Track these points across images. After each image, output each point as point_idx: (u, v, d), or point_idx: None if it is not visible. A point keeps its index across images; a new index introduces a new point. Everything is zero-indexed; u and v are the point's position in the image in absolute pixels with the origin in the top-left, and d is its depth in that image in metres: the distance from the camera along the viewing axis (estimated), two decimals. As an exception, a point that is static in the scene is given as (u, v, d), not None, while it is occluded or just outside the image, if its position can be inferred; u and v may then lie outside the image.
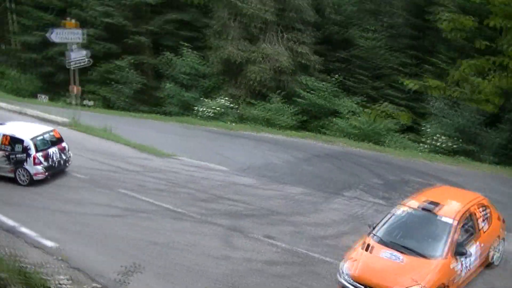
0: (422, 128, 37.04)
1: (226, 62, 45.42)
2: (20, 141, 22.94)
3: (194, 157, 28.01)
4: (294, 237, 18.01)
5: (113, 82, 50.55)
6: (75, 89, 36.11)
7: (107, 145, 29.96)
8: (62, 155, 23.96)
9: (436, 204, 15.06)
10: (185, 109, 44.94)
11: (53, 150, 23.51)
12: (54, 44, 44.09)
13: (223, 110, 42.30)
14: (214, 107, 42.33)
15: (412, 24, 45.38)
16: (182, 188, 22.84)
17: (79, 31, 35.17)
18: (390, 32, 46.00)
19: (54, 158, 23.49)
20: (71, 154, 24.57)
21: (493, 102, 10.07)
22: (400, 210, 15.31)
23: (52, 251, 16.30)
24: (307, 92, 42.78)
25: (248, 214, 20.04)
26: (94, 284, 14.12)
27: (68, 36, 34.74)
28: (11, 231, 17.77)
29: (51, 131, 24.56)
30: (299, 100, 42.71)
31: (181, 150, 29.13)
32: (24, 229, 17.86)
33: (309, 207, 21.14)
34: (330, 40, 48.44)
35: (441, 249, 13.76)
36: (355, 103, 41.30)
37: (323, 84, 43.17)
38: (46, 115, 36.18)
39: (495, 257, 16.27)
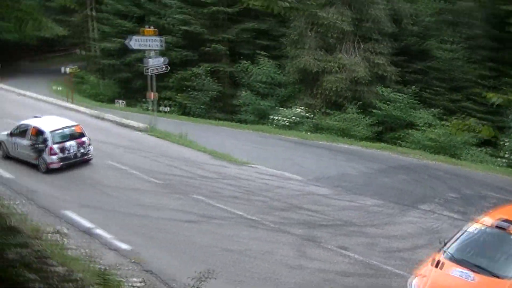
0: (501, 142, 36.32)
1: (302, 72, 45.45)
2: (42, 133, 25.77)
3: (269, 165, 28.05)
4: (368, 248, 17.82)
5: (189, 89, 51.08)
6: (152, 95, 36.67)
7: (183, 151, 30.35)
8: (81, 148, 26.14)
9: (511, 222, 14.62)
10: (261, 118, 45.11)
11: (71, 143, 25.87)
12: (132, 50, 45.00)
13: (298, 119, 42.35)
14: (289, 116, 42.42)
15: (492, 35, 44.70)
16: (257, 196, 22.88)
17: (158, 38, 35.75)
18: (469, 43, 45.37)
19: (71, 151, 25.81)
20: (92, 149, 26.74)
21: None
22: (473, 227, 14.88)
23: (126, 253, 16.49)
24: (384, 103, 42.40)
25: (322, 224, 19.92)
26: (166, 288, 14.20)
27: (147, 43, 35.40)
28: (87, 232, 18.09)
29: (73, 126, 26.94)
30: (375, 111, 42.41)
31: (256, 158, 29.24)
32: (100, 231, 18.15)
33: (384, 219, 20.89)
34: (407, 51, 47.98)
35: (515, 269, 13.34)
36: (432, 115, 40.77)
37: (400, 95, 42.73)
38: (124, 120, 36.85)
39: None
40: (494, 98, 9.14)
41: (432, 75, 45.69)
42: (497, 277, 13.12)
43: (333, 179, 26.20)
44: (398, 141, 39.64)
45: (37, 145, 25.42)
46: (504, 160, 34.31)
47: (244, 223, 19.54)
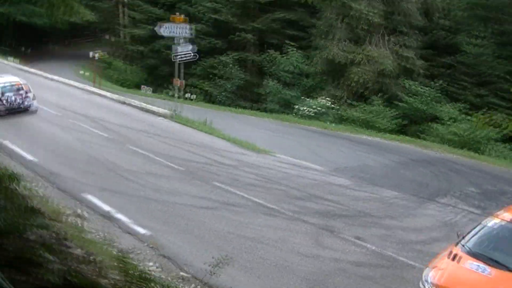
0: (526, 139, 36.13)
1: (329, 63, 45.44)
2: None
3: (290, 154, 28.18)
4: (384, 240, 17.82)
5: (216, 77, 51.25)
6: (178, 82, 36.83)
7: (205, 138, 30.57)
8: (22, 100, 32.25)
9: (530, 218, 14.62)
10: (285, 107, 45.20)
11: (11, 95, 31.90)
12: (161, 37, 45.16)
13: (323, 110, 42.35)
14: (314, 107, 42.41)
15: (523, 32, 44.26)
16: (276, 185, 22.95)
17: (187, 26, 35.94)
18: (499, 39, 44.91)
19: (11, 101, 31.78)
20: (35, 103, 32.99)
21: None
22: (492, 222, 14.87)
23: (144, 238, 16.57)
24: (409, 96, 42.28)
25: (340, 215, 19.97)
26: (182, 273, 14.30)
27: (176, 30, 35.55)
28: (106, 216, 18.17)
29: (14, 82, 33.08)
30: (400, 104, 42.29)
31: (277, 147, 29.38)
32: (119, 215, 18.21)
33: (402, 211, 20.92)
34: (436, 45, 47.77)
35: (531, 265, 13.33)
36: (457, 110, 40.58)
37: (426, 89, 42.57)
38: (147, 106, 37.08)
39: None
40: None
41: (459, 70, 45.42)
42: (514, 272, 13.17)
43: (353, 170, 26.24)
44: (422, 134, 39.55)
45: None
46: (526, 157, 34.16)
47: (261, 211, 19.58)
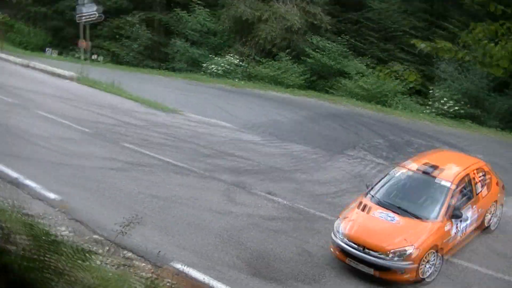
0: (430, 92, 37.00)
1: (237, 20, 45.12)
2: None
3: (200, 113, 28.13)
4: (295, 193, 18.09)
5: (123, 38, 50.47)
6: (84, 44, 36.10)
7: (112, 99, 30.03)
8: None
9: (435, 167, 15.04)
10: (194, 66, 44.93)
11: None
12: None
13: (231, 67, 42.27)
14: (223, 65, 42.29)
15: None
16: (186, 143, 22.88)
17: (91, -15, 35.03)
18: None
19: None
20: None
21: (503, 67, 10.02)
22: (399, 172, 15.33)
23: (54, 203, 16.24)
24: (316, 52, 42.63)
25: (251, 170, 20.09)
26: (95, 236, 14.19)
27: (80, -10, 34.64)
28: (14, 182, 17.68)
29: None
30: (308, 60, 42.58)
31: (186, 106, 29.24)
32: (27, 181, 17.75)
33: (312, 165, 21.24)
34: (343, 1, 48.00)
35: (437, 211, 13.75)
36: (364, 65, 41.15)
37: (334, 45, 42.99)
38: (54, 69, 36.24)
39: (492, 221, 16.39)
40: (422, 45, 9.41)
41: (366, 25, 45.86)
42: (420, 219, 13.59)
43: (263, 126, 26.45)
44: (330, 89, 40.06)
45: None
46: (432, 109, 35.02)
47: (172, 170, 19.50)
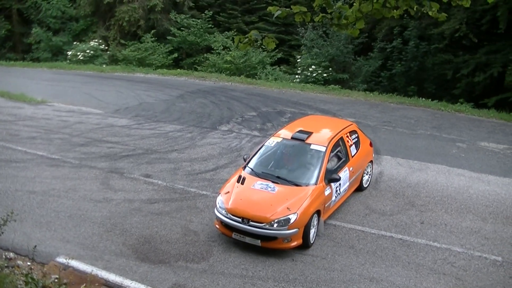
0: (298, 61, 37.71)
1: (95, 3, 44.56)
2: None
3: (67, 102, 27.60)
4: (173, 174, 18.04)
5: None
6: None
7: (-29, 96, 28.92)
8: None
9: (307, 133, 15.32)
10: (58, 54, 44.15)
11: None
12: None
13: (96, 53, 41.75)
14: (88, 51, 41.67)
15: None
16: (57, 134, 22.29)
17: None
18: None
19: None
20: None
21: (359, 28, 10.24)
22: (274, 142, 15.48)
23: None
24: (179, 29, 42.58)
25: (126, 155, 19.86)
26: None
27: None
28: None
29: None
30: (173, 39, 42.53)
31: (53, 96, 28.60)
32: None
33: (188, 144, 21.19)
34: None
35: (314, 176, 14.02)
36: (230, 39, 41.44)
37: (198, 21, 43.03)
38: None
39: (365, 179, 16.92)
40: (278, 12, 9.50)
41: (228, -1, 46.23)
42: (297, 185, 13.78)
43: (132, 109, 26.29)
44: (198, 66, 40.16)
45: None
46: (299, 77, 35.69)
47: (46, 163, 18.97)
